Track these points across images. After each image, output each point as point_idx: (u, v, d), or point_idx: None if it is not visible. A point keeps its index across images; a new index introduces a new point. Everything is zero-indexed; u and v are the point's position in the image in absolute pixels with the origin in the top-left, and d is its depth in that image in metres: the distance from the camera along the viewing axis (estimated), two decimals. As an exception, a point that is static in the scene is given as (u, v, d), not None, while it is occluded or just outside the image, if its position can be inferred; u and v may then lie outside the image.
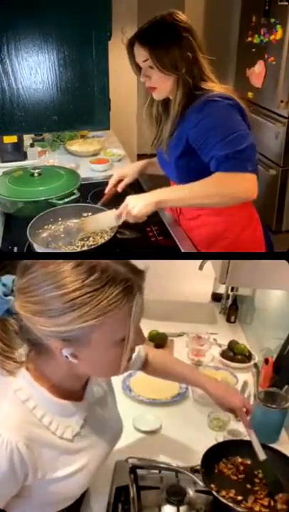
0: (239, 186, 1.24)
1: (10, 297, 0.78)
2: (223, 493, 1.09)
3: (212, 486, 1.09)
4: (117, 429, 1.03)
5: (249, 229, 1.54)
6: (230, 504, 1.03)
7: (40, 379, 0.83)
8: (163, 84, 1.36)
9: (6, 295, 0.78)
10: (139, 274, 0.78)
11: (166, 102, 1.45)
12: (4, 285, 0.79)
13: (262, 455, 1.14)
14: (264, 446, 1.24)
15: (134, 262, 0.80)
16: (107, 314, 0.72)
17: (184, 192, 1.32)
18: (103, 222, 1.48)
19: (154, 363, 1.25)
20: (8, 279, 0.79)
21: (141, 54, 1.33)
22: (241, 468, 1.19)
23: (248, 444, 1.26)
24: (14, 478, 0.78)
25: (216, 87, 1.34)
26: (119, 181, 1.73)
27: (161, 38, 1.31)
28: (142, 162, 1.78)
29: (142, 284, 0.79)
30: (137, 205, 1.29)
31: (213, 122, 1.28)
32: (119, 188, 1.71)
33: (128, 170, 1.75)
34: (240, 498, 1.10)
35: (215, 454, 1.19)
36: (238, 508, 1.04)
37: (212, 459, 1.18)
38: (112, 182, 1.74)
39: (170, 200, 1.32)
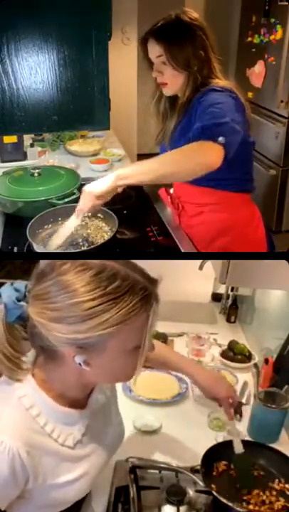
0: (208, 156, 1.22)
1: (22, 303, 0.78)
2: (223, 492, 1.09)
3: (212, 486, 1.09)
4: (118, 434, 1.03)
5: (251, 227, 1.54)
6: (230, 504, 1.03)
7: (46, 387, 0.83)
8: (174, 81, 1.40)
9: (19, 300, 0.78)
10: (155, 283, 0.79)
11: (173, 98, 1.49)
12: (17, 290, 0.79)
13: (239, 449, 1.14)
14: (264, 447, 1.24)
15: (139, 264, 0.81)
16: (126, 322, 0.73)
17: (145, 164, 1.28)
18: (64, 229, 1.44)
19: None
20: (21, 284, 0.79)
21: (155, 50, 1.37)
22: (242, 467, 1.19)
23: (248, 443, 1.26)
24: (15, 483, 0.78)
25: (220, 82, 1.38)
26: None
27: (177, 36, 1.34)
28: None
29: (157, 293, 0.79)
30: (97, 185, 1.28)
31: (210, 104, 1.31)
32: (119, 189, 1.70)
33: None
34: (240, 497, 1.09)
35: (215, 454, 1.19)
36: (239, 508, 1.04)
37: (212, 458, 1.18)
38: None
39: (131, 174, 1.27)
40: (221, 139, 1.22)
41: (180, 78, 1.39)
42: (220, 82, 1.38)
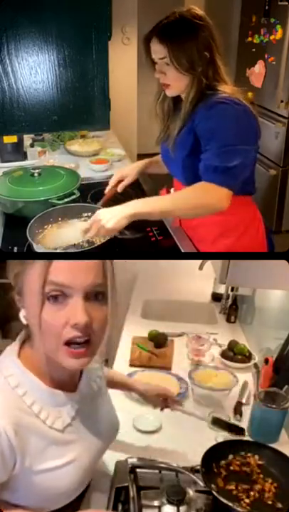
0: (216, 199, 1.26)
1: None
2: (223, 492, 1.09)
3: (212, 486, 1.09)
4: (112, 427, 1.03)
5: (252, 229, 1.53)
6: (230, 504, 1.03)
7: (30, 367, 0.84)
8: (178, 83, 1.35)
9: None
10: None
11: (176, 99, 1.45)
12: None
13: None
14: (264, 447, 1.24)
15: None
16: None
17: (159, 203, 1.31)
18: (67, 237, 1.44)
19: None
20: None
21: (158, 50, 1.31)
22: (242, 467, 1.19)
23: (249, 443, 1.26)
24: (2, 463, 0.77)
25: (227, 88, 1.32)
26: (119, 182, 1.71)
27: (181, 36, 1.28)
28: (143, 162, 1.76)
29: None
30: (111, 219, 1.25)
31: (218, 125, 1.28)
32: (119, 189, 1.69)
33: (128, 170, 1.72)
34: (240, 497, 1.10)
35: (215, 454, 1.19)
36: (239, 508, 1.04)
37: (212, 458, 1.18)
38: (111, 183, 1.72)
39: (145, 212, 1.28)
40: (233, 183, 1.26)
41: (183, 80, 1.33)
42: (226, 88, 1.32)
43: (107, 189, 1.72)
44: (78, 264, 0.76)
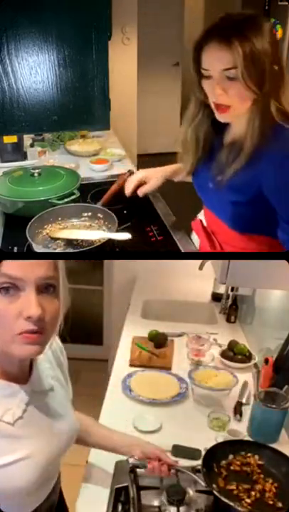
0: None
1: None
2: (225, 492, 1.09)
3: (213, 486, 1.09)
4: (70, 428, 0.99)
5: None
6: (232, 504, 1.03)
7: None
8: (241, 104, 1.02)
9: None
10: None
11: (218, 125, 1.15)
12: None
13: None
14: (264, 447, 1.24)
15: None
16: None
17: None
18: (81, 233, 1.43)
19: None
20: None
21: (222, 58, 0.97)
22: (242, 467, 1.19)
23: (249, 443, 1.26)
24: None
25: None
26: (139, 185, 1.53)
27: (252, 36, 0.95)
28: (170, 168, 1.50)
29: None
30: None
31: None
32: (140, 193, 1.52)
33: (153, 174, 1.51)
34: (241, 497, 1.09)
35: (215, 454, 1.19)
36: (240, 508, 1.03)
37: (213, 458, 1.18)
38: (132, 183, 1.53)
39: None
40: None
41: (248, 101, 1.00)
42: None
43: (127, 191, 1.58)
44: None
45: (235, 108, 1.04)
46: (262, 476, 1.16)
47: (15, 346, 0.76)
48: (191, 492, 1.12)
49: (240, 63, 0.95)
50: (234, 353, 1.83)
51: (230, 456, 1.21)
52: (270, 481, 1.15)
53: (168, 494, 1.10)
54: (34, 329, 0.75)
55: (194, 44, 1.02)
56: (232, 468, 1.18)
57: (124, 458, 1.18)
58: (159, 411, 1.53)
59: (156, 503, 1.11)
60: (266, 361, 1.46)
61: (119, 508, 1.11)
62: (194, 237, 1.54)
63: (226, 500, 1.03)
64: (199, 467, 1.14)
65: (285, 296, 1.61)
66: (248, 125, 1.04)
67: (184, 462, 1.24)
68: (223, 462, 1.19)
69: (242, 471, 1.18)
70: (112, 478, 1.19)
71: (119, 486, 1.16)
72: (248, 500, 1.09)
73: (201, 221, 1.42)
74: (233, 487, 1.12)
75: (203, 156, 1.21)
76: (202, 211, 1.43)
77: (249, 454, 1.21)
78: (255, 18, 0.98)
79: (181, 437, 1.38)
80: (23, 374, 0.88)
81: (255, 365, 1.76)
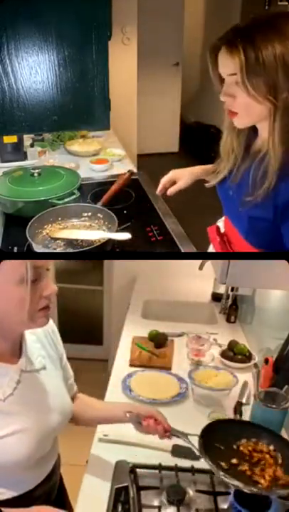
0: None
1: None
2: (222, 465, 1.03)
3: (221, 463, 1.03)
4: (63, 404, 1.03)
5: None
6: (228, 480, 0.98)
7: None
8: (249, 111, 0.99)
9: None
10: None
11: (251, 136, 1.10)
12: None
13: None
14: (266, 430, 1.19)
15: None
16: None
17: None
18: (82, 233, 1.45)
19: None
20: None
21: (227, 64, 0.96)
22: (252, 453, 1.11)
23: (251, 424, 1.25)
24: None
25: None
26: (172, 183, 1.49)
27: (260, 46, 0.90)
28: (201, 169, 1.46)
29: None
30: None
31: None
32: (170, 192, 1.48)
33: (184, 173, 1.48)
34: (254, 478, 1.02)
35: (214, 432, 1.14)
36: (236, 482, 0.97)
37: (211, 436, 1.12)
38: (164, 183, 1.49)
39: None
40: None
41: (257, 109, 0.96)
42: None
43: (159, 188, 1.52)
44: None
45: (242, 115, 1.01)
46: (272, 461, 1.09)
47: (36, 321, 0.89)
48: (191, 492, 1.12)
49: (239, 69, 0.92)
50: (234, 353, 1.83)
51: (232, 437, 1.14)
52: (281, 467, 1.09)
53: (168, 494, 1.10)
54: (49, 304, 0.90)
55: (210, 49, 1.00)
56: (242, 449, 1.11)
57: (124, 458, 1.18)
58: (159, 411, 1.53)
59: (156, 503, 1.11)
60: (266, 361, 1.46)
61: (119, 508, 1.11)
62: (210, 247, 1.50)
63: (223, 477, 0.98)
64: (199, 467, 1.13)
65: (285, 296, 1.61)
66: (270, 135, 0.98)
67: (183, 462, 1.24)
68: (235, 443, 1.13)
69: (252, 455, 1.10)
70: (112, 478, 1.19)
71: (119, 486, 1.16)
72: (264, 481, 1.01)
73: (218, 227, 1.37)
74: (246, 467, 1.04)
75: (233, 164, 1.16)
76: (222, 218, 1.40)
77: (261, 442, 1.14)
78: (271, 24, 0.90)
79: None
80: (13, 355, 0.95)
81: (255, 365, 1.76)
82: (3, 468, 0.90)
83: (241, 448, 1.12)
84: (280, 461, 1.08)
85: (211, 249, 1.51)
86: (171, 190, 1.48)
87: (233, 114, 1.02)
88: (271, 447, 1.14)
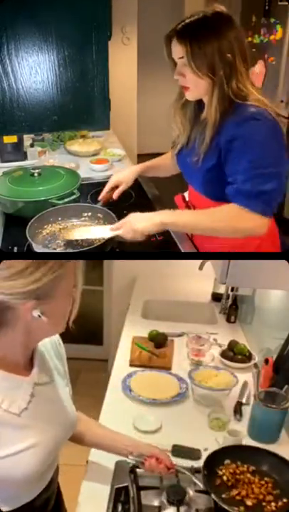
0: (251, 226, 1.21)
1: None
2: (223, 495, 1.09)
3: (212, 489, 1.09)
4: (70, 418, 1.02)
5: (267, 242, 1.47)
6: (226, 507, 1.03)
7: None
8: (197, 86, 1.26)
9: None
10: None
11: (201, 105, 1.37)
12: None
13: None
14: (265, 451, 1.23)
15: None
16: (64, 264, 0.84)
17: (193, 219, 1.29)
18: (94, 232, 1.46)
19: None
20: None
21: (177, 50, 1.24)
22: (243, 474, 1.18)
23: (250, 448, 1.26)
24: None
25: (256, 98, 1.24)
26: (115, 187, 1.67)
27: (201, 35, 1.20)
28: (139, 167, 1.72)
29: None
30: (142, 223, 1.27)
31: (249, 144, 1.19)
32: (115, 196, 1.66)
33: (124, 176, 1.68)
34: (238, 500, 1.09)
35: (218, 458, 1.19)
36: None
37: (214, 462, 1.17)
38: (106, 188, 1.69)
39: (176, 224, 1.29)
40: (269, 210, 1.20)
41: (202, 83, 1.24)
42: (255, 98, 1.23)
43: (101, 195, 1.70)
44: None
45: (193, 88, 1.28)
46: (262, 482, 1.16)
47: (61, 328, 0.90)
48: (191, 492, 1.12)
49: (186, 54, 1.21)
50: (234, 353, 1.83)
51: (231, 461, 1.20)
52: (270, 485, 1.15)
53: (168, 494, 1.10)
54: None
55: (165, 38, 1.28)
56: (233, 473, 1.18)
57: (124, 458, 1.18)
58: (159, 411, 1.53)
59: (156, 503, 1.11)
60: (266, 361, 1.46)
61: (119, 508, 1.11)
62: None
63: (224, 506, 1.03)
64: (199, 467, 1.14)
65: (285, 296, 1.61)
66: (208, 105, 1.27)
67: (183, 462, 1.24)
68: (224, 468, 1.19)
69: (244, 477, 1.17)
70: (112, 478, 1.19)
71: (119, 486, 1.16)
72: (249, 503, 1.08)
73: (183, 196, 1.59)
74: (235, 493, 1.12)
75: (187, 135, 1.43)
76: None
77: (250, 462, 1.20)
78: (209, 19, 1.22)
79: (181, 437, 1.38)
80: (25, 366, 0.92)
81: (255, 365, 1.76)
82: (12, 483, 0.87)
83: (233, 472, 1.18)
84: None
85: None
86: (115, 194, 1.66)
87: (186, 89, 1.30)
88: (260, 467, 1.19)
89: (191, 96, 1.32)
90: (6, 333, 0.85)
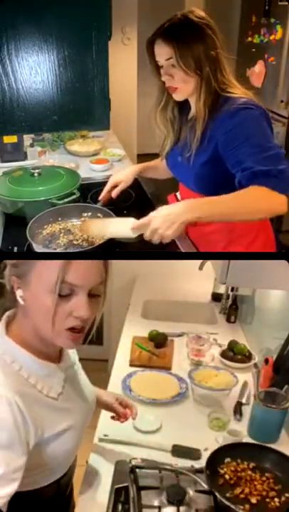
0: (276, 205, 1.18)
1: None
2: (227, 494, 1.09)
3: (216, 488, 1.08)
4: (92, 395, 1.11)
5: (262, 234, 1.49)
6: (233, 507, 1.03)
7: (20, 343, 0.91)
8: (185, 85, 1.30)
9: None
10: None
11: (181, 105, 1.42)
12: None
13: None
14: (264, 448, 1.24)
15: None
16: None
17: (218, 207, 1.18)
18: (115, 230, 1.37)
19: None
20: None
21: (164, 52, 1.28)
22: (244, 471, 1.18)
23: (251, 446, 1.26)
24: (19, 435, 0.81)
25: (240, 91, 1.30)
26: (114, 187, 1.68)
27: (187, 36, 1.26)
28: (138, 167, 1.74)
29: None
30: (169, 229, 1.17)
31: (249, 131, 1.23)
32: (114, 194, 1.67)
33: (123, 176, 1.69)
34: (242, 498, 1.09)
35: (218, 457, 1.19)
36: (241, 511, 1.03)
37: (215, 461, 1.17)
38: (106, 188, 1.69)
39: (203, 217, 1.18)
40: (286, 186, 1.17)
41: (191, 82, 1.29)
42: (239, 91, 1.30)
43: (102, 194, 1.70)
44: (89, 265, 0.85)
45: (182, 88, 1.32)
46: (264, 479, 1.16)
47: (60, 339, 0.87)
48: (191, 492, 1.12)
49: (175, 54, 1.25)
50: (234, 353, 1.83)
51: (233, 459, 1.20)
52: (272, 481, 1.15)
53: (168, 494, 1.10)
54: (80, 326, 0.86)
55: (147, 42, 1.32)
56: (235, 471, 1.18)
57: (125, 459, 1.18)
58: (159, 411, 1.53)
59: (156, 503, 1.11)
60: (266, 361, 1.46)
61: (119, 508, 1.11)
62: None
63: (227, 503, 1.03)
64: (199, 467, 1.14)
65: (285, 296, 1.61)
66: (196, 101, 1.31)
67: (183, 462, 1.24)
68: (226, 465, 1.19)
69: (246, 475, 1.17)
70: (112, 478, 1.19)
71: (119, 486, 1.15)
72: (254, 500, 1.08)
73: (176, 195, 1.63)
74: (238, 491, 1.12)
75: (175, 135, 1.47)
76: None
77: (252, 459, 1.20)
78: (190, 20, 1.27)
79: (181, 437, 1.38)
80: (55, 354, 0.98)
81: (255, 365, 1.76)
82: (54, 460, 0.93)
83: (234, 470, 1.18)
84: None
85: None
86: (114, 193, 1.67)
87: (174, 89, 1.33)
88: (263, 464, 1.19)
89: (179, 96, 1.35)
90: (23, 323, 0.91)
